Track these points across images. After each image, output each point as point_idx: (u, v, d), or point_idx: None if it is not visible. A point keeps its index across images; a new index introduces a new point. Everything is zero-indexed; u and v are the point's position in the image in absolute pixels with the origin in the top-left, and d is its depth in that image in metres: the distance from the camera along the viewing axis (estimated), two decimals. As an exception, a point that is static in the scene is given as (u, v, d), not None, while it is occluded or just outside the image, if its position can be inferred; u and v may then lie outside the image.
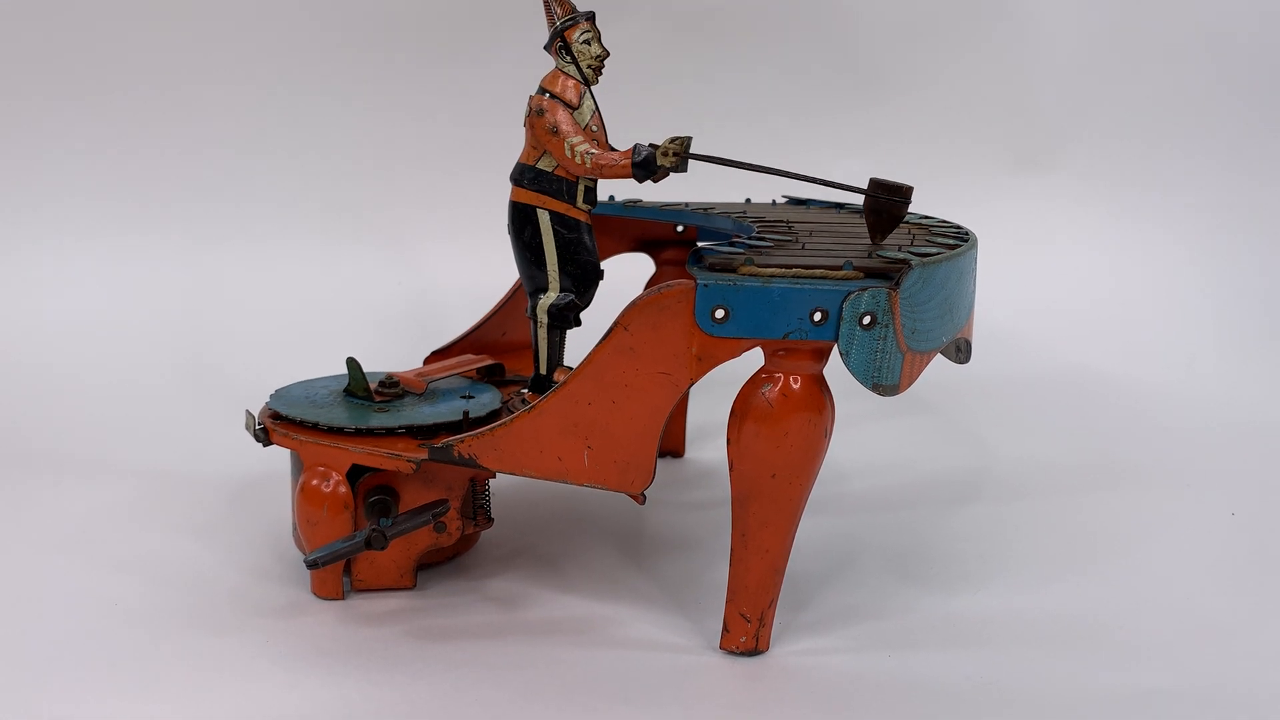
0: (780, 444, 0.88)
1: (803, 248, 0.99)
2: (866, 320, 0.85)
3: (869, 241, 0.97)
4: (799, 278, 0.85)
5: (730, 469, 0.90)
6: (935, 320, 0.92)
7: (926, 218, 1.18)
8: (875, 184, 0.95)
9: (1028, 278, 1.84)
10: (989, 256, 1.89)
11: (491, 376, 1.24)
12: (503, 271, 1.86)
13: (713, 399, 1.44)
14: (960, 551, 1.18)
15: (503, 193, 1.90)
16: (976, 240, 1.04)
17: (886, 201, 0.96)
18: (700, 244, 0.91)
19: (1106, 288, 1.86)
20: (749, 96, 1.93)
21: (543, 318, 1.13)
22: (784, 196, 1.42)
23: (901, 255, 0.88)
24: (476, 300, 1.88)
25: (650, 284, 1.42)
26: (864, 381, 0.87)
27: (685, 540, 1.20)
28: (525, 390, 1.16)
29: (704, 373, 0.87)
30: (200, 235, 1.85)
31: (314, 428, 1.03)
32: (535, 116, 1.07)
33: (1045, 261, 1.88)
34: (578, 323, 1.14)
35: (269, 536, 1.17)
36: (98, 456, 1.42)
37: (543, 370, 1.15)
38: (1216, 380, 1.73)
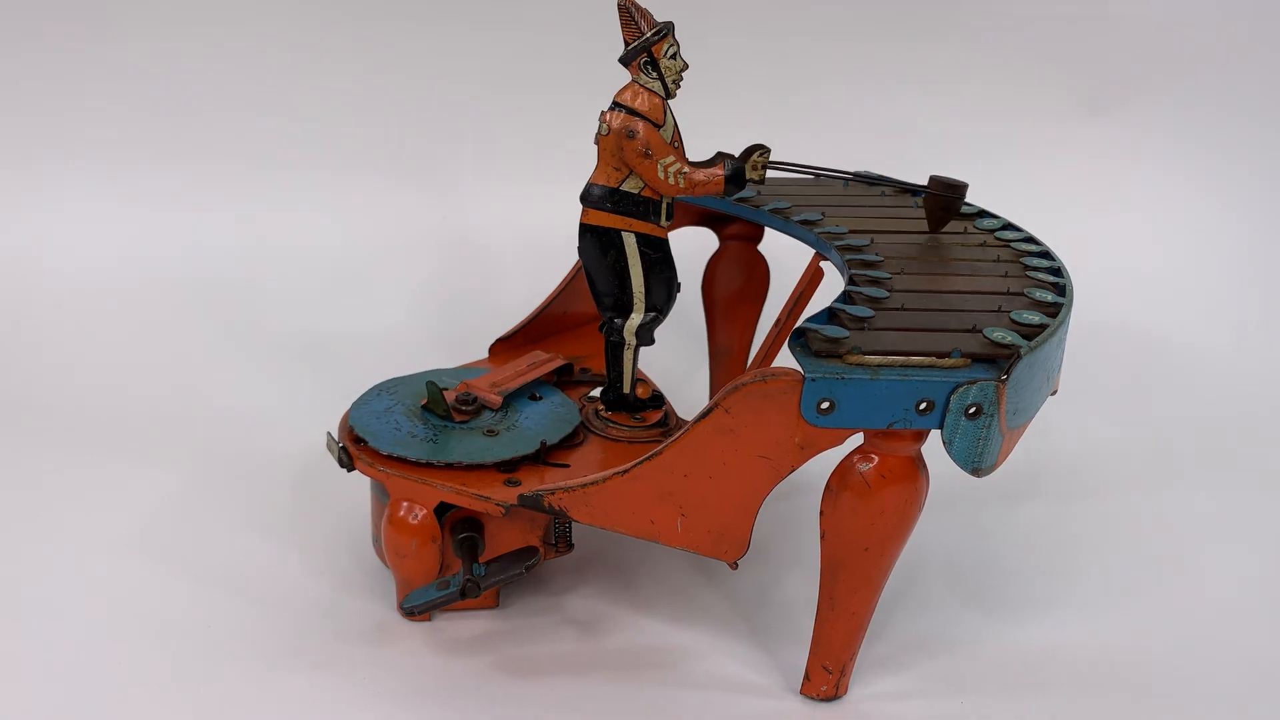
0: (875, 521, 0.89)
1: (898, 275, 1.01)
2: (972, 411, 0.84)
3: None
4: (906, 367, 0.84)
5: (821, 538, 0.91)
6: (1034, 393, 0.91)
7: (1020, 243, 1.14)
8: (934, 181, 1.15)
9: (1086, 233, 1.79)
10: (1043, 208, 1.86)
11: (561, 376, 1.23)
12: (547, 209, 1.84)
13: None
14: (1023, 566, 1.19)
15: (542, 129, 1.85)
16: (1073, 289, 1.02)
17: (944, 199, 1.15)
18: (802, 323, 0.89)
19: (1170, 250, 1.82)
20: (812, 23, 1.84)
21: (630, 340, 1.11)
22: (852, 175, 1.37)
23: (1010, 340, 0.87)
24: (522, 234, 1.86)
25: (714, 260, 1.39)
26: (964, 467, 0.87)
27: (754, 544, 1.22)
28: (603, 410, 1.15)
29: (806, 460, 0.87)
30: (234, 178, 1.79)
31: (400, 460, 1.03)
32: (625, 139, 1.03)
33: (1106, 219, 1.83)
34: (652, 340, 1.13)
35: (345, 536, 1.19)
36: (147, 432, 1.41)
37: (625, 390, 1.14)
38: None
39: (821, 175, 1.15)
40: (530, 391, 1.17)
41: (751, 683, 1.00)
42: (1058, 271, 1.05)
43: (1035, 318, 0.92)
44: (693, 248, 1.40)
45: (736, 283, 1.40)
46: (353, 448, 1.06)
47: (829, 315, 0.92)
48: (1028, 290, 0.99)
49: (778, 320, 1.16)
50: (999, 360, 0.86)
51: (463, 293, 1.77)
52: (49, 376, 1.54)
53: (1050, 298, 0.97)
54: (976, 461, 0.86)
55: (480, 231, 1.83)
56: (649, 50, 1.02)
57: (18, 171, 1.76)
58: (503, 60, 1.83)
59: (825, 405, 0.84)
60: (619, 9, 1.03)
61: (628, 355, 1.13)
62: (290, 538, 1.19)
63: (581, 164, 1.83)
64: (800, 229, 1.16)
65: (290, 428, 1.42)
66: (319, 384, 1.55)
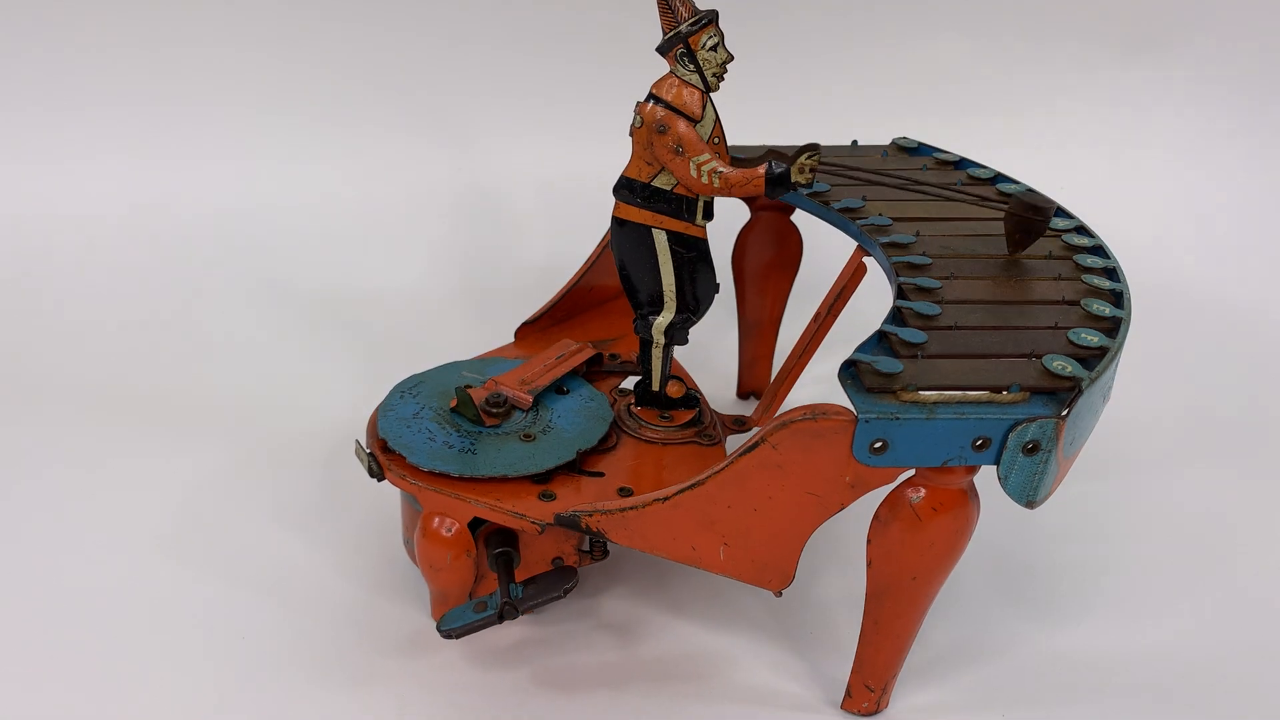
0: (925, 552, 0.87)
1: (948, 281, 0.97)
2: (1030, 447, 0.81)
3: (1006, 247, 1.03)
4: (963, 404, 0.81)
5: (868, 565, 0.89)
6: (1091, 417, 0.88)
7: (1071, 234, 1.09)
8: (1019, 203, 1.01)
9: (1125, 181, 1.73)
10: (1080, 152, 1.79)
11: (590, 366, 1.19)
12: (565, 160, 1.77)
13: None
14: (1061, 559, 1.18)
15: (555, 79, 1.78)
16: (1130, 297, 0.97)
17: (1028, 221, 1.02)
18: (854, 354, 0.85)
19: (1211, 201, 1.76)
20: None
21: (659, 338, 1.08)
22: (892, 144, 1.31)
23: (1070, 372, 0.83)
24: (540, 186, 1.80)
25: (745, 231, 1.34)
26: (1018, 500, 0.84)
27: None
28: (634, 406, 1.12)
29: (857, 497, 0.84)
30: (247, 131, 1.73)
31: (432, 473, 1.01)
32: (656, 134, 0.97)
33: (1146, 165, 1.77)
34: (686, 340, 1.10)
35: (375, 529, 1.17)
36: (172, 411, 1.38)
37: (655, 387, 1.11)
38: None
39: (875, 182, 1.11)
40: (558, 384, 1.14)
41: (792, 694, 1.00)
42: (1113, 273, 1.01)
43: (1094, 338, 0.88)
44: (724, 216, 1.35)
45: (768, 254, 1.35)
46: (382, 456, 1.03)
47: (879, 339, 0.88)
48: (1084, 301, 0.94)
49: (817, 314, 1.12)
50: (1059, 394, 0.82)
51: (483, 248, 1.73)
52: (66, 349, 1.51)
53: (1109, 310, 0.93)
54: (1031, 495, 0.84)
55: (498, 184, 1.78)
56: (685, 42, 0.96)
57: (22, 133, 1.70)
58: (519, 10, 1.75)
59: (879, 445, 0.81)
60: (658, -1, 0.96)
61: (657, 354, 1.09)
62: (320, 530, 1.18)
63: (601, 117, 1.78)
64: (841, 219, 1.11)
65: (315, 400, 1.41)
66: (342, 349, 1.53)
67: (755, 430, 0.85)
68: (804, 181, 0.98)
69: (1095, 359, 0.87)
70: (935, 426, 0.80)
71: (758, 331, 1.41)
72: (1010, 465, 0.82)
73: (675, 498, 0.89)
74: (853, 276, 1.10)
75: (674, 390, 1.12)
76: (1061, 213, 1.13)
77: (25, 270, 1.62)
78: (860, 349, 0.85)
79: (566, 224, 1.74)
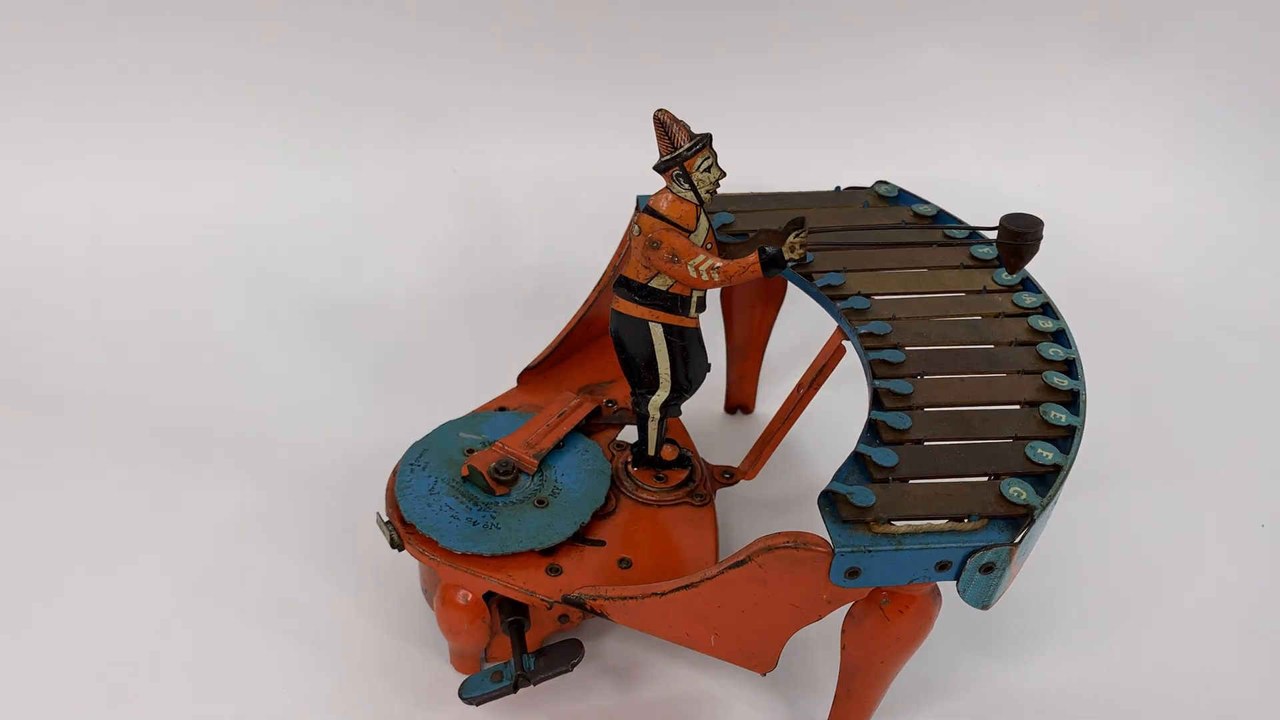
0: (893, 644, 0.98)
1: (919, 381, 1.06)
2: (986, 566, 0.92)
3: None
4: (929, 534, 0.91)
5: (842, 649, 1.01)
6: (1042, 528, 0.98)
7: (1036, 316, 1.17)
8: (1004, 229, 1.02)
9: (1099, 179, 1.78)
10: (1056, 150, 1.83)
11: (590, 420, 1.28)
12: (556, 159, 1.81)
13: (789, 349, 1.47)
14: (1018, 592, 1.28)
15: (552, 77, 1.79)
16: (1085, 396, 1.06)
17: (1018, 245, 1.02)
18: (831, 485, 0.94)
19: (1178, 200, 1.82)
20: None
21: (655, 414, 1.16)
22: (873, 193, 1.36)
23: (1025, 500, 0.93)
24: (534, 183, 1.84)
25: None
26: (975, 606, 0.95)
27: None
28: (631, 466, 1.22)
29: (833, 610, 0.95)
30: (241, 136, 1.76)
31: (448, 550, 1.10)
32: (650, 249, 1.04)
33: (1121, 166, 1.82)
34: (679, 413, 1.18)
35: (394, 571, 1.28)
36: (179, 439, 1.45)
37: (651, 452, 1.20)
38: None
39: (865, 245, 1.17)
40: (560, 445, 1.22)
41: (772, 735, 1.13)
42: (1072, 367, 1.09)
43: (1049, 454, 0.98)
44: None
45: (755, 285, 1.42)
46: (401, 528, 1.13)
47: (855, 460, 0.97)
48: (1043, 409, 1.03)
49: (798, 386, 1.20)
50: (1015, 519, 0.92)
51: (480, 249, 1.78)
52: (65, 367, 1.57)
53: (1064, 419, 1.02)
54: (987, 601, 0.95)
55: (492, 183, 1.82)
56: (681, 165, 1.02)
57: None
58: (515, 9, 1.76)
59: (852, 571, 0.91)
60: (655, 122, 1.01)
61: (653, 426, 1.18)
62: (343, 570, 1.28)
63: (593, 115, 1.80)
64: (823, 298, 1.18)
65: (325, 422, 1.49)
66: (346, 363, 1.60)
67: (746, 547, 0.94)
68: (796, 258, 1.05)
69: (1051, 475, 0.96)
70: (903, 555, 0.90)
71: (744, 353, 1.50)
72: (968, 582, 0.92)
73: (670, 594, 1.00)
74: (832, 356, 1.18)
75: (668, 454, 1.21)
76: (1030, 286, 1.21)
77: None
78: (837, 477, 0.95)
79: (561, 223, 1.79)
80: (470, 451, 1.20)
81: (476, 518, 1.13)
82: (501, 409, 1.30)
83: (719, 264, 1.05)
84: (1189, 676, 1.20)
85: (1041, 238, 1.01)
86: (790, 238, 1.04)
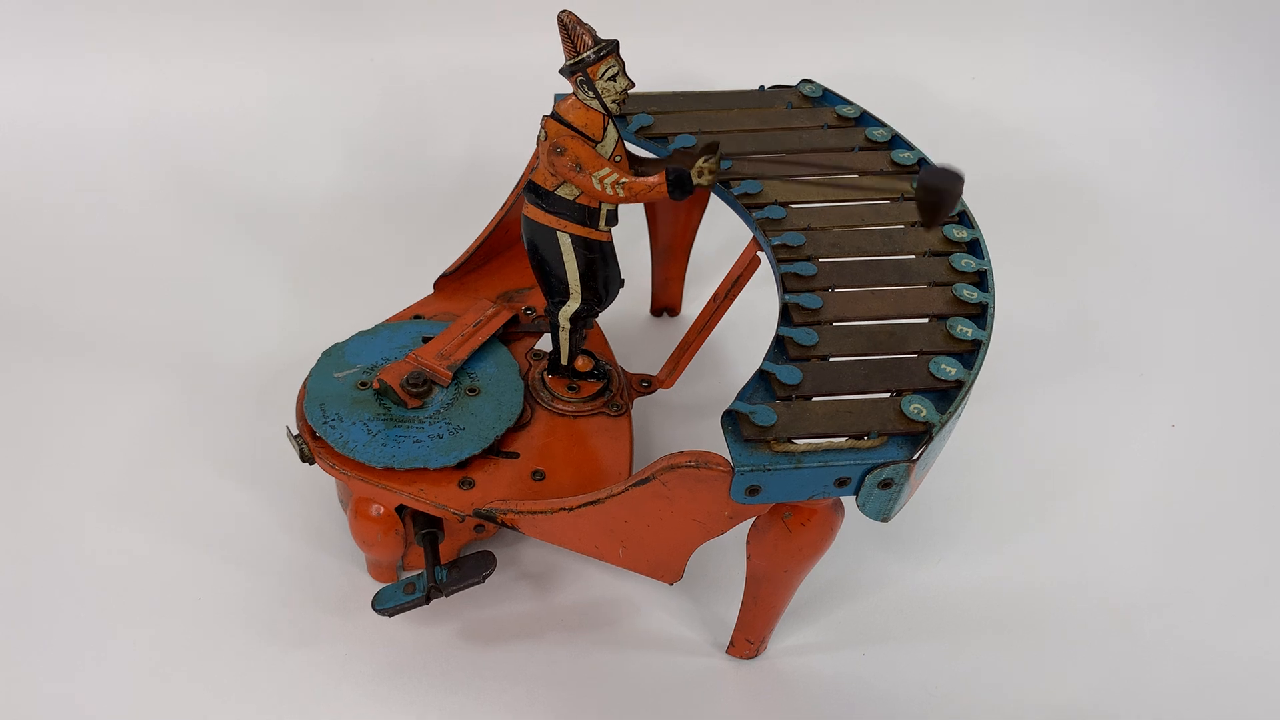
0: (795, 554, 1.00)
1: (828, 294, 1.05)
2: (884, 482, 0.93)
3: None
4: (827, 452, 0.91)
5: (748, 558, 1.03)
6: (941, 444, 0.99)
7: (949, 222, 1.15)
8: (923, 183, 0.92)
9: (1032, 72, 1.75)
10: (990, 41, 1.79)
11: (508, 328, 1.27)
12: (478, 54, 1.74)
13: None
14: (931, 492, 1.31)
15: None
16: (994, 310, 1.06)
17: (935, 201, 0.93)
18: (734, 405, 0.94)
19: (1109, 93, 1.79)
20: None
21: (565, 324, 1.15)
22: (797, 93, 1.33)
23: (924, 418, 0.93)
24: (457, 74, 1.78)
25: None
26: (874, 519, 0.96)
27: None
28: (547, 374, 1.21)
29: (735, 525, 0.96)
30: (144, 29, 1.67)
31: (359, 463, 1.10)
32: (554, 155, 1.01)
33: (1055, 59, 1.78)
34: (591, 326, 1.17)
35: (312, 480, 1.28)
36: (97, 330, 1.43)
37: (564, 362, 1.20)
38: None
39: (791, 178, 1.15)
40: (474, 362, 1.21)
41: (685, 640, 1.15)
42: (984, 278, 1.09)
43: (953, 369, 0.98)
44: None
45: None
46: (312, 443, 1.12)
47: (760, 378, 0.97)
48: (950, 322, 1.03)
49: (715, 296, 1.20)
50: (914, 436, 0.93)
51: (401, 145, 1.73)
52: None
53: (970, 333, 1.02)
54: (886, 513, 0.96)
55: (411, 73, 1.76)
56: (585, 71, 0.98)
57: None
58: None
59: (752, 489, 0.92)
60: (558, 23, 0.98)
61: (563, 336, 1.17)
62: (263, 479, 1.28)
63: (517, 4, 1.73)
64: (740, 207, 1.16)
65: (245, 328, 1.47)
66: (266, 266, 1.56)
67: (650, 465, 0.95)
68: (705, 184, 1.04)
69: (953, 391, 0.97)
70: (802, 473, 0.91)
71: (669, 255, 1.48)
72: (867, 497, 0.94)
73: (579, 510, 1.01)
74: (749, 266, 1.17)
75: (582, 365, 1.20)
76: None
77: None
78: (741, 395, 0.95)
79: (481, 114, 1.74)
80: (363, 385, 1.17)
81: (389, 431, 1.13)
82: (417, 317, 1.29)
83: (624, 179, 1.03)
84: (1093, 576, 1.24)
85: (960, 194, 0.94)
86: (700, 162, 1.02)
